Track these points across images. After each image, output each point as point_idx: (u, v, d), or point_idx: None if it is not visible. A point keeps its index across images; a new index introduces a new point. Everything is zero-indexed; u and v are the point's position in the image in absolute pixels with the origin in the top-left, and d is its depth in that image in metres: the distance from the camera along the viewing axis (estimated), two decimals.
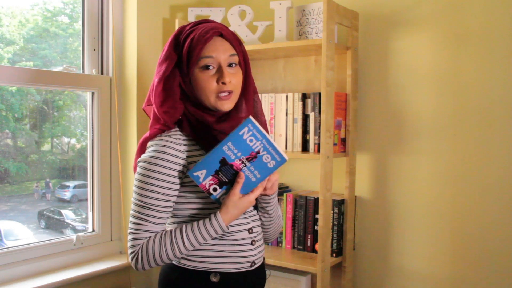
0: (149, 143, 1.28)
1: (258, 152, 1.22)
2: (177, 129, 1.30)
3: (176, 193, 1.26)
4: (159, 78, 1.27)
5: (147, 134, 1.30)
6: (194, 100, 1.29)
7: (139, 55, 2.13)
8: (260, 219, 1.41)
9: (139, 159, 1.27)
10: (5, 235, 1.96)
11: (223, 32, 1.27)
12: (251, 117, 1.21)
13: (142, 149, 1.31)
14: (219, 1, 2.50)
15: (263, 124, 1.40)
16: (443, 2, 2.01)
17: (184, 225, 1.25)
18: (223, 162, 1.22)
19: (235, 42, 1.30)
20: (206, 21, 1.32)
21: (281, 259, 2.06)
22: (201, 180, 1.23)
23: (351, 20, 2.08)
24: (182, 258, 1.30)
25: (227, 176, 1.24)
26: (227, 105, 1.28)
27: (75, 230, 2.16)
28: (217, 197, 1.25)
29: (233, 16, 2.15)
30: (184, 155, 1.25)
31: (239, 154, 1.22)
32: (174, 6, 2.30)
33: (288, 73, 2.36)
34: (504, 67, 1.89)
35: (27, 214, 2.06)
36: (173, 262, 1.31)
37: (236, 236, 1.31)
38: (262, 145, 1.21)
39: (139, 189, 1.23)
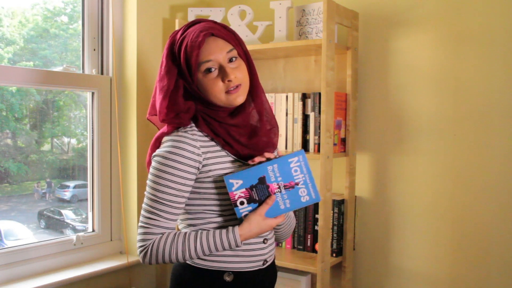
0: (165, 138, 1.28)
1: (297, 184, 1.26)
2: (193, 125, 1.29)
3: (190, 189, 1.26)
4: (164, 95, 1.26)
5: (164, 129, 1.30)
6: (205, 102, 1.29)
7: (139, 55, 2.13)
8: None
9: (154, 154, 1.26)
10: (5, 235, 1.96)
11: (214, 32, 1.25)
12: (303, 150, 1.26)
13: (156, 143, 1.31)
14: (219, 1, 2.50)
15: (270, 114, 1.38)
16: (443, 2, 2.01)
17: (200, 231, 1.26)
18: (262, 181, 1.25)
19: (229, 36, 1.28)
20: (195, 22, 1.30)
21: (281, 259, 2.06)
22: (233, 188, 1.24)
23: (351, 20, 2.08)
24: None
25: (259, 195, 1.25)
26: (239, 99, 1.27)
27: (75, 230, 2.16)
28: (241, 212, 1.26)
29: (233, 16, 2.15)
30: (200, 151, 1.25)
31: (279, 179, 1.25)
32: (174, 6, 2.30)
33: (288, 73, 2.36)
34: (504, 67, 1.89)
35: (27, 214, 2.06)
36: (187, 261, 1.30)
37: None
38: (304, 178, 1.26)
39: (153, 184, 1.23)
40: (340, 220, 2.12)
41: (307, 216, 2.16)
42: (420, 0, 2.05)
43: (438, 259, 2.04)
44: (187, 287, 1.31)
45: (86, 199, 2.15)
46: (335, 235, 2.11)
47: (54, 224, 2.13)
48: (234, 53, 1.27)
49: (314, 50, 2.12)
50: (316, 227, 2.13)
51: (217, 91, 1.25)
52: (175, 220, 1.25)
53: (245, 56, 1.32)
